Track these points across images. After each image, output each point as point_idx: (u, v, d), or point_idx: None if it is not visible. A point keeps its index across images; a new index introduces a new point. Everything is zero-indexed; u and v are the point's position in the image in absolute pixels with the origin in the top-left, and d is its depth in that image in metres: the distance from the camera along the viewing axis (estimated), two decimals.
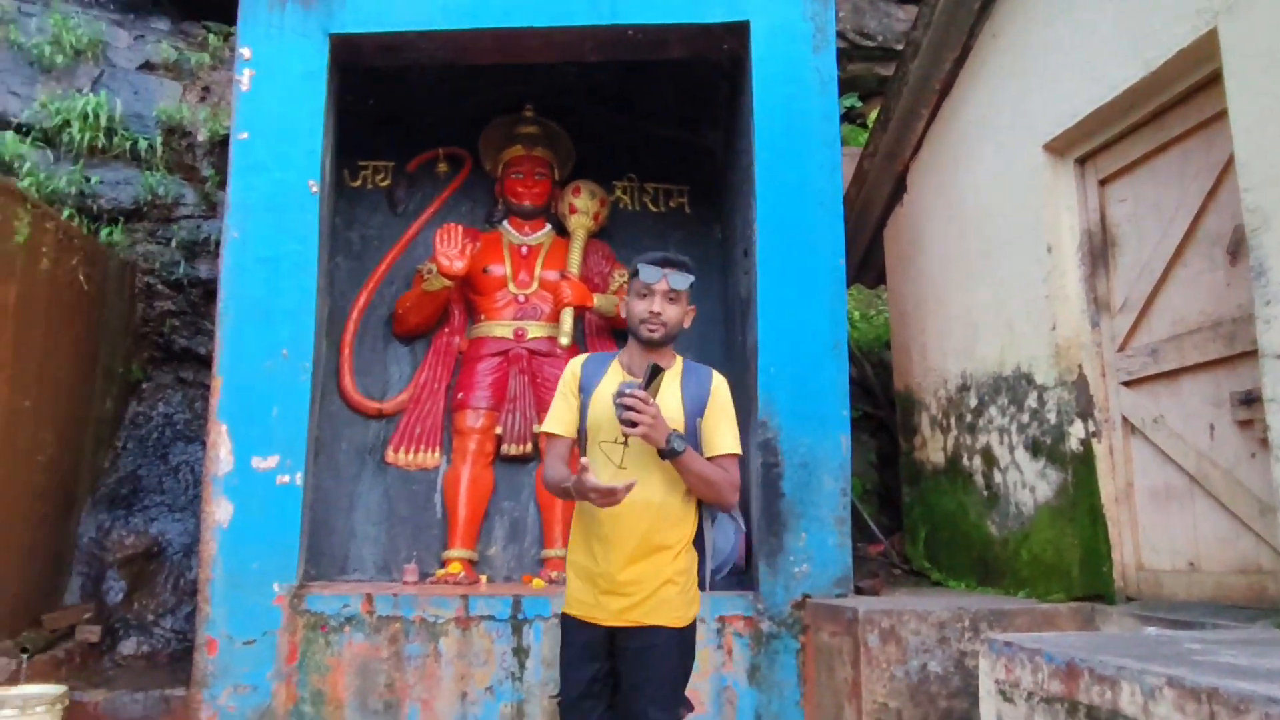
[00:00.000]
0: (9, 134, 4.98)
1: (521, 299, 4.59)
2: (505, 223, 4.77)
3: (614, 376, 2.36)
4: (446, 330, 4.68)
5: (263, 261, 3.83)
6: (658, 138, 5.05)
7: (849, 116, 7.10)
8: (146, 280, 5.14)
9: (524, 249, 4.70)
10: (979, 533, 3.89)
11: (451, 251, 4.30)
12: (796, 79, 3.95)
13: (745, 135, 4.11)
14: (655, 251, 2.42)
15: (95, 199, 5.09)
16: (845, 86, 6.53)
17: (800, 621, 3.57)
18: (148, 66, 5.51)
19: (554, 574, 4.17)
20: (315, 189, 3.88)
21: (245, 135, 3.86)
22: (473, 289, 4.61)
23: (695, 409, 2.30)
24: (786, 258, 3.84)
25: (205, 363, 4.92)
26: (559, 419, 2.39)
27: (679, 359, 2.42)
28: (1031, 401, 3.55)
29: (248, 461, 3.72)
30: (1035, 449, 3.53)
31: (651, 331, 2.28)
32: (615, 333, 4.74)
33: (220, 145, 5.19)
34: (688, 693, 2.36)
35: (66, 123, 5.07)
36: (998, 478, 3.77)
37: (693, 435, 2.27)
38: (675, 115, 5.03)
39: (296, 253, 3.86)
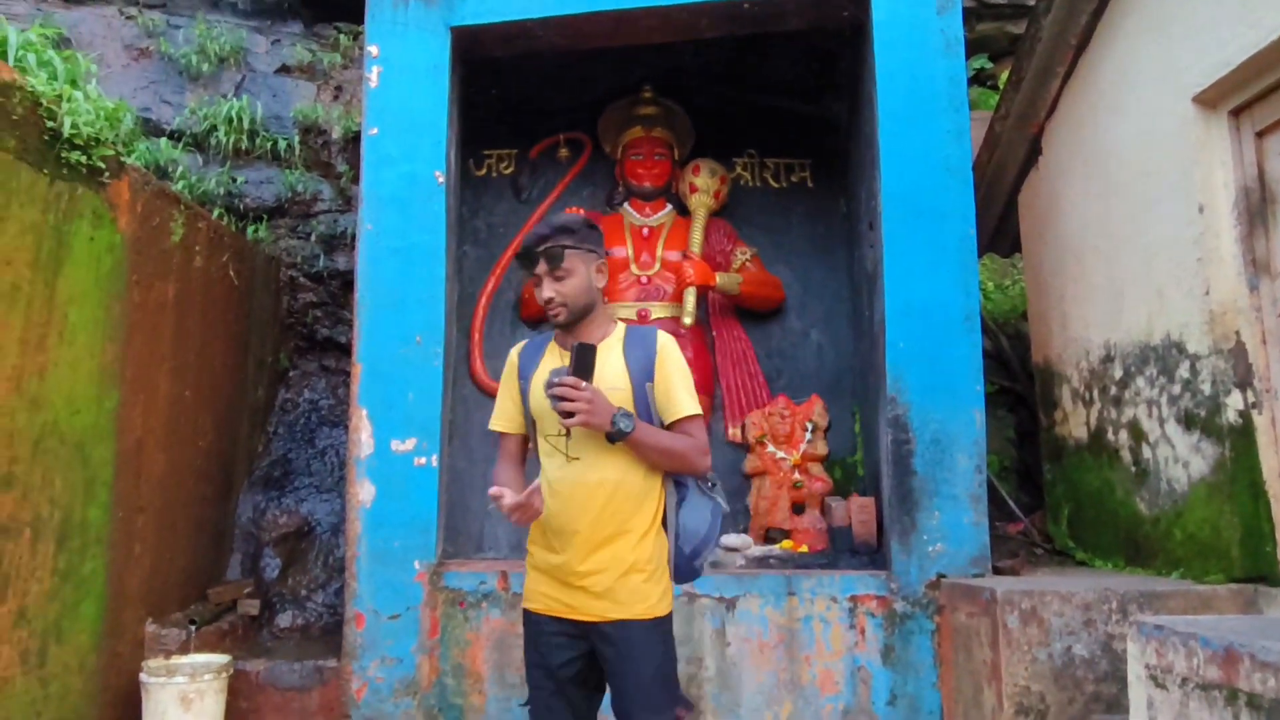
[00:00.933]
0: (163, 140, 5.33)
1: (644, 280, 4.62)
2: (626, 205, 4.80)
3: (550, 360, 2.17)
4: None
5: (395, 252, 3.97)
6: (777, 112, 4.97)
7: (978, 79, 6.79)
8: (290, 274, 5.43)
9: (645, 230, 4.72)
10: (1127, 511, 3.68)
11: None
12: (920, 43, 3.81)
13: (868, 104, 3.99)
14: (541, 228, 2.15)
15: (241, 198, 5.40)
16: (974, 47, 6.25)
17: (935, 602, 3.48)
18: (284, 70, 5.80)
19: None
20: (442, 180, 4.00)
21: (375, 131, 4.02)
22: None
23: (643, 374, 2.08)
24: (914, 229, 3.72)
25: (346, 350, 5.17)
26: (500, 414, 2.22)
27: (620, 326, 2.20)
28: (1183, 372, 3.33)
29: (387, 444, 3.89)
30: (1188, 422, 3.31)
31: (556, 316, 2.11)
32: (739, 311, 4.72)
33: (353, 142, 5.42)
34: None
35: (213, 127, 5.39)
36: (1147, 453, 3.56)
37: (644, 403, 2.07)
38: (795, 88, 4.93)
39: (426, 242, 3.99)
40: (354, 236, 4.56)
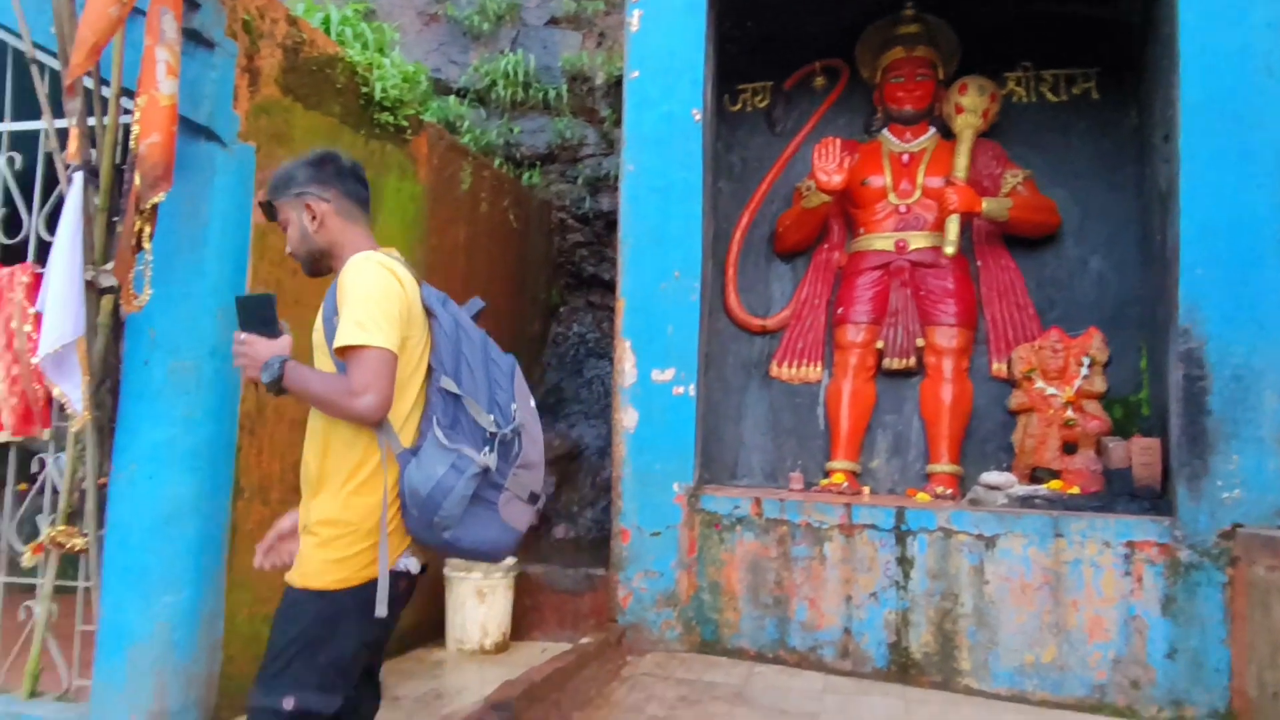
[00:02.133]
0: (451, 98, 5.87)
1: (903, 209, 4.48)
2: (885, 131, 4.65)
3: None
4: (825, 246, 4.72)
5: (655, 191, 4.15)
6: (1058, 17, 4.55)
7: None
8: (559, 216, 5.82)
9: (905, 157, 4.55)
10: None
11: (829, 166, 4.31)
12: None
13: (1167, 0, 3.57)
14: None
15: (517, 147, 5.84)
16: None
17: (1228, 553, 3.17)
18: (553, 21, 6.14)
19: (939, 489, 4.11)
20: (699, 117, 4.10)
21: (636, 74, 4.18)
22: (852, 203, 4.58)
23: (331, 310, 1.78)
24: (1218, 140, 3.32)
25: (610, 287, 5.49)
26: None
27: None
28: None
29: (648, 374, 4.13)
30: None
31: (302, 269, 1.94)
32: (1008, 238, 4.45)
33: (615, 86, 5.66)
34: None
35: (493, 82, 5.85)
36: None
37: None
38: None
39: (684, 180, 4.13)
40: (617, 178, 4.80)
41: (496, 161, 5.57)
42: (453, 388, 1.76)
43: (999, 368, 4.35)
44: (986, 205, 4.26)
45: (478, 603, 3.94)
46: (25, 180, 3.10)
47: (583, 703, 3.15)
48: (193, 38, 2.79)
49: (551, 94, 5.82)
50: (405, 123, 3.82)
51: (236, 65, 2.91)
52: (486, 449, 1.75)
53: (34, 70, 2.95)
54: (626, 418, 4.14)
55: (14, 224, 3.09)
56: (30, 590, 2.93)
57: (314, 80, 3.31)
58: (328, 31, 3.72)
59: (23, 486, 3.18)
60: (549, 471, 5.31)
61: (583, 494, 5.27)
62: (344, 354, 1.71)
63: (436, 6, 6.21)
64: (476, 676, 3.62)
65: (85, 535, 2.81)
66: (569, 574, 4.30)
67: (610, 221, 5.50)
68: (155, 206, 2.58)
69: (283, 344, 1.79)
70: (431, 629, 4.11)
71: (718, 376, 4.66)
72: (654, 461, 4.07)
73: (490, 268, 4.85)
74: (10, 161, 3.11)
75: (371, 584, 1.71)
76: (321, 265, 1.89)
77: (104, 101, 2.80)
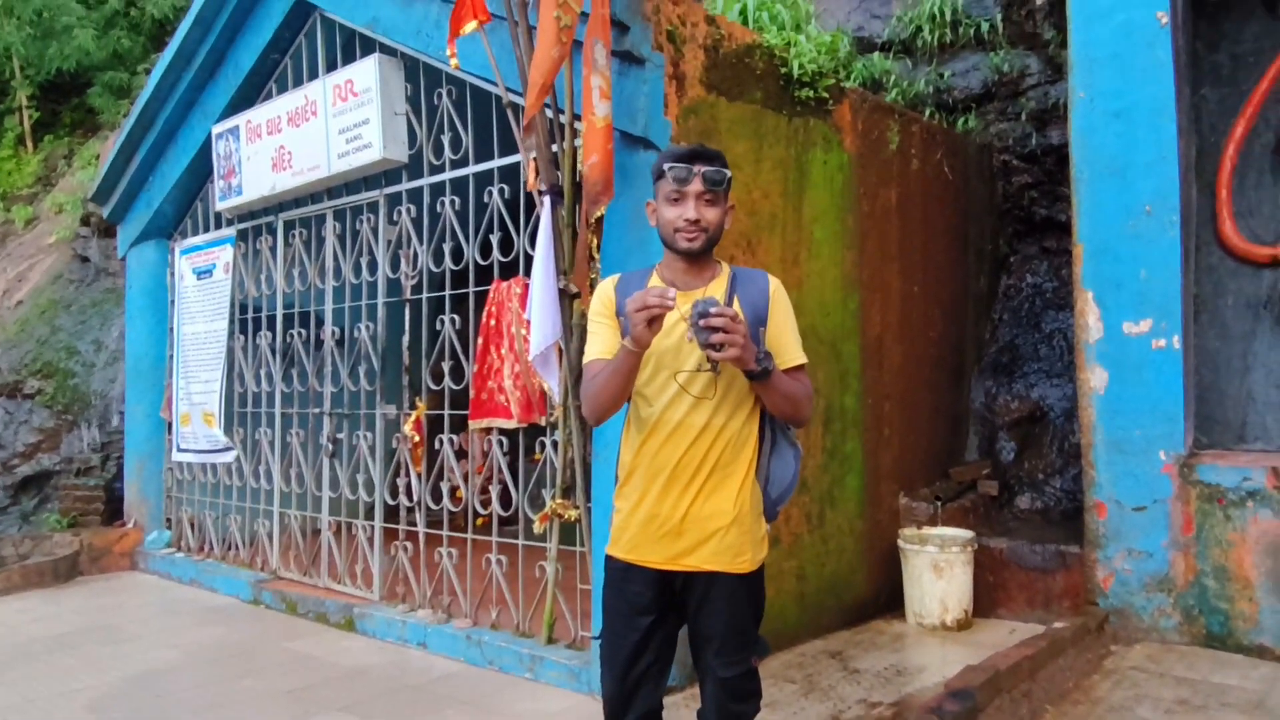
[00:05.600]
0: (875, 55, 5.67)
1: None
2: None
3: None
4: None
5: (1113, 116, 3.63)
6: None
7: None
8: (1002, 158, 5.34)
9: None
10: None
11: None
12: None
13: None
14: (701, 148, 1.98)
15: (949, 92, 5.47)
16: None
17: None
18: None
19: None
20: (1165, 20, 3.49)
21: None
22: None
23: (756, 318, 1.97)
24: None
25: (1066, 229, 4.92)
26: (605, 347, 1.99)
27: (726, 266, 2.04)
28: None
29: (1118, 327, 3.65)
30: None
31: (690, 241, 1.92)
32: None
33: (1059, 3, 5.02)
34: None
35: (918, 29, 5.53)
36: None
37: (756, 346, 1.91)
38: None
39: (1150, 97, 3.56)
40: (1066, 106, 4.26)
41: (926, 112, 5.28)
42: None
43: None
44: None
45: (934, 577, 3.83)
46: (513, 207, 3.66)
47: (1057, 696, 2.90)
48: (624, 58, 3.05)
49: (984, 27, 5.35)
50: (826, 94, 3.79)
51: (664, 75, 3.11)
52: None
53: (509, 112, 3.45)
54: (1093, 378, 3.71)
55: (507, 244, 3.66)
56: (544, 551, 3.48)
57: (734, 72, 3.42)
58: (744, 19, 3.81)
59: (536, 457, 3.78)
60: (1008, 437, 4.96)
61: (1048, 461, 4.83)
62: (798, 369, 2.01)
63: None
64: (938, 654, 3.53)
65: (578, 508, 3.26)
66: (1036, 550, 3.98)
67: (1063, 156, 4.91)
68: (600, 219, 2.87)
69: None
70: (889, 600, 4.09)
71: (1212, 321, 3.95)
72: (1131, 426, 3.60)
73: (926, 225, 4.63)
74: (501, 191, 3.69)
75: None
76: (706, 251, 1.99)
77: (563, 129, 3.18)
